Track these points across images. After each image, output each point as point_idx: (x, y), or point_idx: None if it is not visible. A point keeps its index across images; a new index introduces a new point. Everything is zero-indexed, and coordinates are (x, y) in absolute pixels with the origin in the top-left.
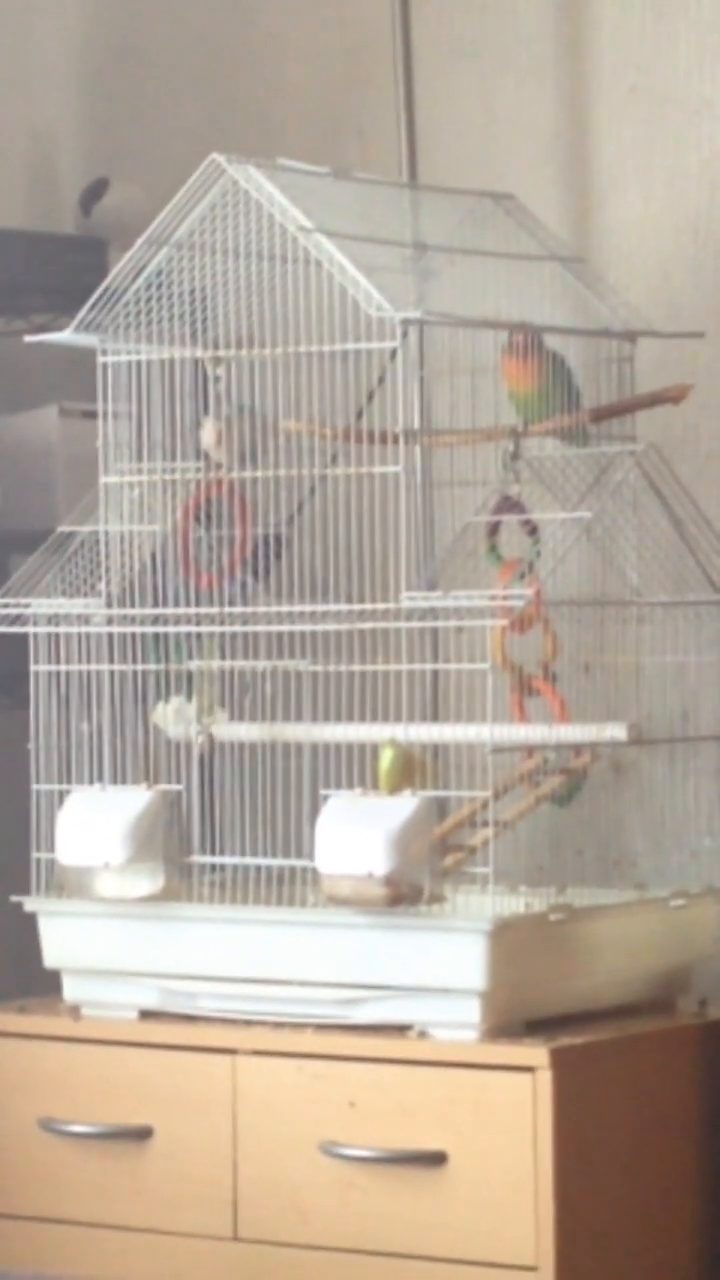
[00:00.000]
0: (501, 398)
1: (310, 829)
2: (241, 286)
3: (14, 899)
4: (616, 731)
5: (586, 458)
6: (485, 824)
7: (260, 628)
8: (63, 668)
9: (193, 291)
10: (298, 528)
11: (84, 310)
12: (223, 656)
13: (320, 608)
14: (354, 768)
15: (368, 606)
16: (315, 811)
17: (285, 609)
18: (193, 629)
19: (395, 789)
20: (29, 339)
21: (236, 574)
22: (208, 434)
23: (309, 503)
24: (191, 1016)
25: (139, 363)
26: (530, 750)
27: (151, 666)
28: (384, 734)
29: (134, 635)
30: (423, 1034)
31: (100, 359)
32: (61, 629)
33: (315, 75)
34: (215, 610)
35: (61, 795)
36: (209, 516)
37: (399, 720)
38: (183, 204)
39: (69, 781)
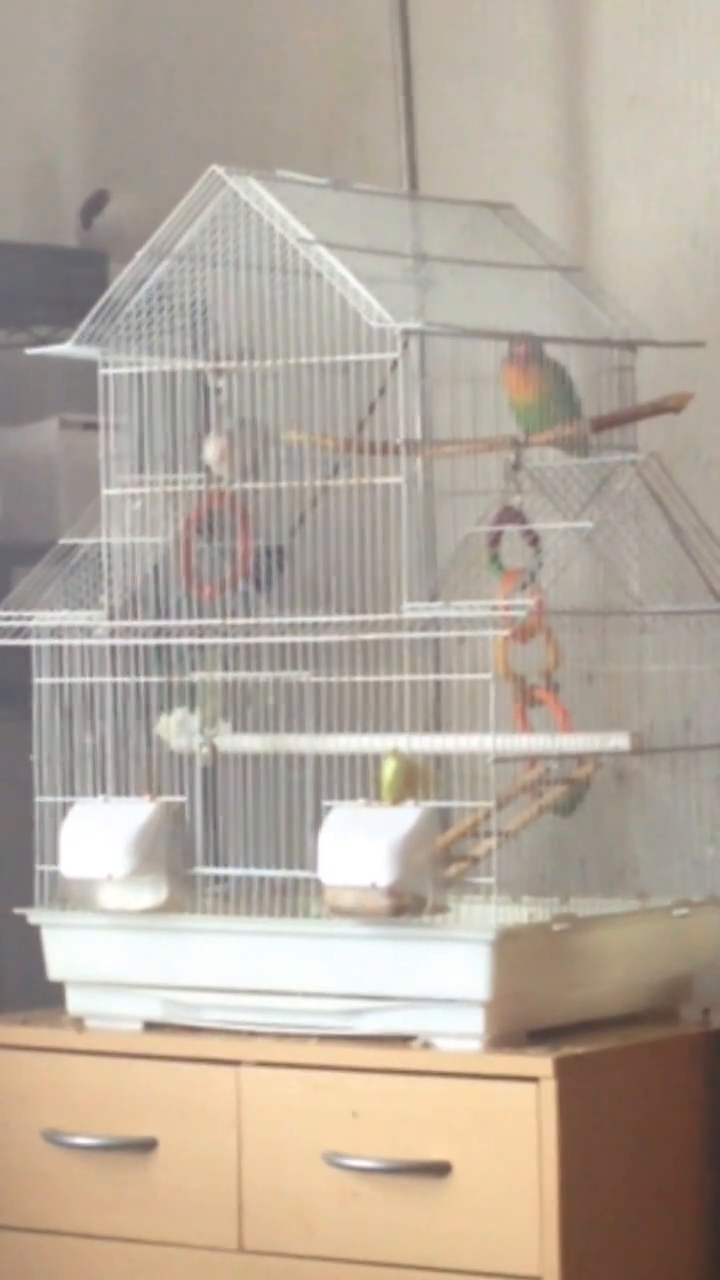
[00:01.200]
0: (502, 408)
1: (313, 840)
2: (242, 298)
3: (17, 911)
4: (619, 741)
5: (588, 467)
6: (488, 834)
7: (262, 639)
8: (65, 680)
9: (193, 303)
10: (299, 539)
11: (85, 323)
12: (225, 668)
13: (322, 619)
14: (357, 778)
15: (369, 617)
16: (318, 822)
17: (287, 620)
18: (195, 641)
19: (398, 799)
20: (30, 352)
21: (238, 585)
22: (211, 450)
23: (310, 514)
24: (195, 1028)
25: (140, 375)
26: (533, 760)
27: (154, 678)
28: (386, 744)
29: (136, 647)
30: (426, 1044)
31: (101, 371)
32: (64, 641)
33: (315, 86)
34: (218, 622)
35: (64, 807)
36: (211, 528)
37: (401, 731)
38: (183, 216)
39: (72, 794)
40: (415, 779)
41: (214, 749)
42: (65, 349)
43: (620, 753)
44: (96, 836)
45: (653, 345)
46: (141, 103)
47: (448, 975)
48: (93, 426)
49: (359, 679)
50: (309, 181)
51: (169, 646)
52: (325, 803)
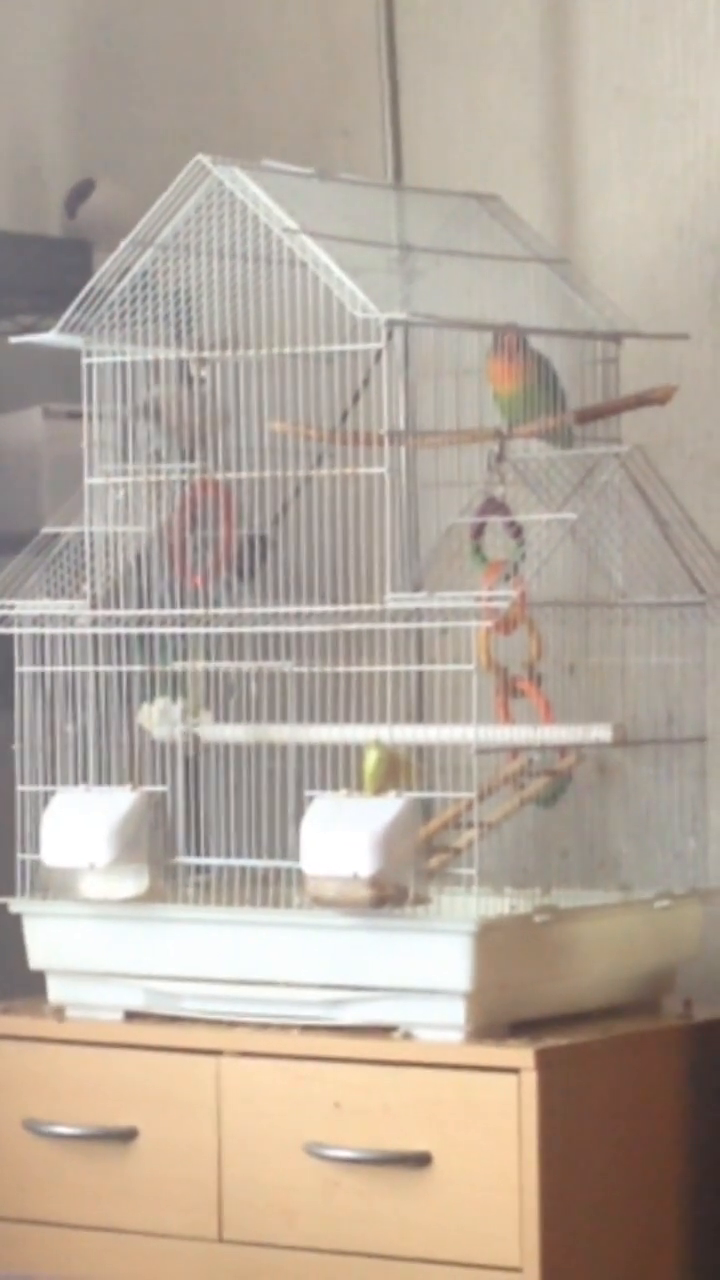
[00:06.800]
0: (486, 399)
1: (295, 830)
2: (226, 288)
3: None
4: (601, 733)
5: (571, 459)
6: (470, 825)
7: (245, 629)
8: (47, 669)
9: (177, 293)
10: (283, 529)
11: (69, 312)
12: (208, 658)
13: (305, 609)
14: (339, 769)
15: (353, 608)
16: (300, 813)
17: (270, 610)
18: (178, 630)
19: (380, 790)
20: (14, 340)
21: (221, 574)
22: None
23: (294, 504)
24: (176, 1018)
25: (124, 364)
26: (515, 751)
27: (136, 668)
28: (369, 735)
29: (118, 636)
30: (407, 1035)
31: (85, 360)
32: (46, 630)
33: (300, 76)
34: (200, 611)
35: (46, 796)
36: (194, 517)
37: (384, 721)
38: (168, 205)
39: (54, 783)
40: (397, 770)
41: (196, 738)
42: (49, 337)
43: (602, 745)
44: (78, 825)
45: (637, 337)
46: (127, 92)
47: (429, 966)
48: (76, 415)
49: (341, 669)
50: (294, 171)
51: (151, 636)
52: (307, 793)
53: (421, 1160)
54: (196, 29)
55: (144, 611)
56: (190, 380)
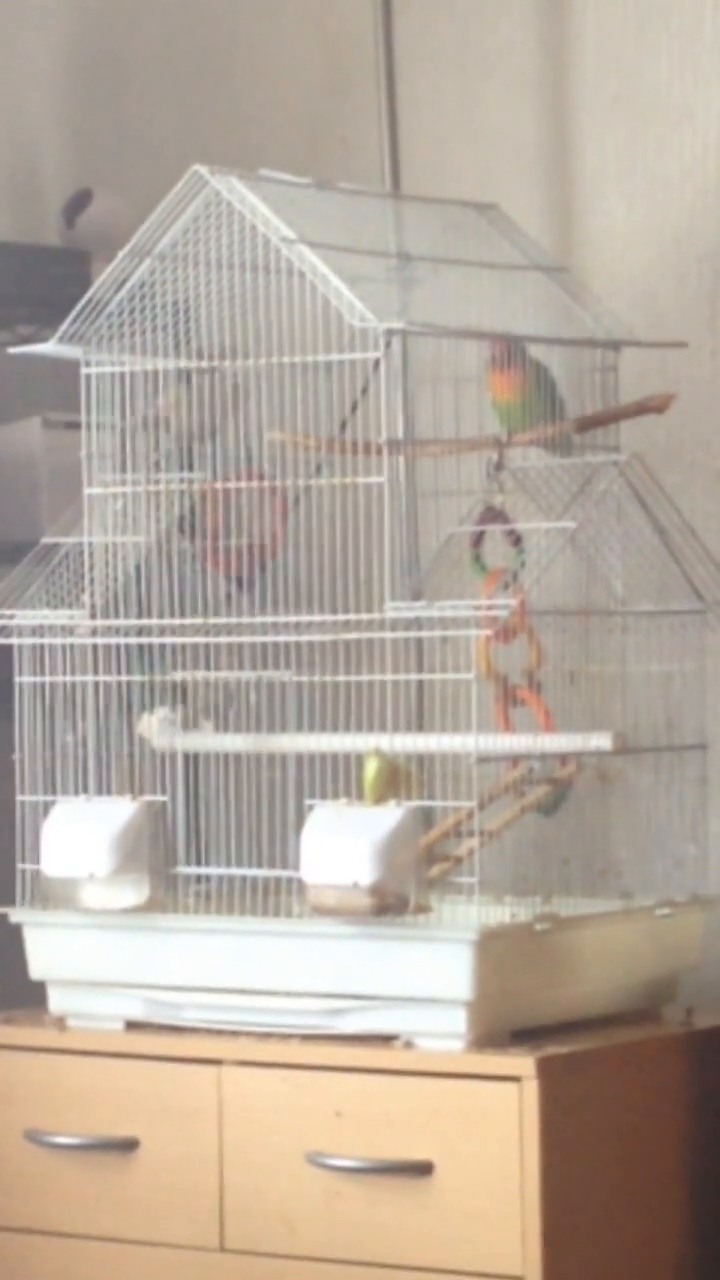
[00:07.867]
0: (485, 407)
1: (295, 839)
2: (224, 297)
3: None
4: (601, 741)
5: (570, 467)
6: (470, 834)
7: (245, 638)
8: (47, 679)
9: (176, 303)
10: (282, 538)
11: (67, 322)
12: (208, 667)
13: (305, 618)
14: (339, 778)
15: (352, 617)
16: (300, 822)
17: (270, 619)
18: (178, 640)
19: (380, 799)
20: (12, 351)
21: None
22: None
23: (293, 513)
24: (177, 1027)
25: (122, 374)
26: (515, 760)
27: (136, 677)
28: (369, 744)
29: (118, 646)
30: (408, 1044)
31: (84, 370)
32: (46, 640)
33: (298, 86)
34: (199, 621)
35: (46, 806)
36: (193, 527)
37: (384, 730)
38: (165, 215)
39: (54, 793)
40: (397, 778)
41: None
42: (47, 348)
43: (603, 752)
44: (78, 835)
45: (635, 345)
46: (124, 102)
47: (430, 975)
48: (75, 425)
49: (341, 678)
50: (292, 181)
51: (150, 645)
52: (308, 802)
53: (423, 1169)
54: (194, 39)
55: (144, 621)
56: (191, 382)
